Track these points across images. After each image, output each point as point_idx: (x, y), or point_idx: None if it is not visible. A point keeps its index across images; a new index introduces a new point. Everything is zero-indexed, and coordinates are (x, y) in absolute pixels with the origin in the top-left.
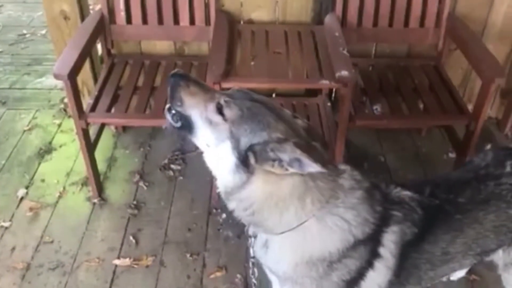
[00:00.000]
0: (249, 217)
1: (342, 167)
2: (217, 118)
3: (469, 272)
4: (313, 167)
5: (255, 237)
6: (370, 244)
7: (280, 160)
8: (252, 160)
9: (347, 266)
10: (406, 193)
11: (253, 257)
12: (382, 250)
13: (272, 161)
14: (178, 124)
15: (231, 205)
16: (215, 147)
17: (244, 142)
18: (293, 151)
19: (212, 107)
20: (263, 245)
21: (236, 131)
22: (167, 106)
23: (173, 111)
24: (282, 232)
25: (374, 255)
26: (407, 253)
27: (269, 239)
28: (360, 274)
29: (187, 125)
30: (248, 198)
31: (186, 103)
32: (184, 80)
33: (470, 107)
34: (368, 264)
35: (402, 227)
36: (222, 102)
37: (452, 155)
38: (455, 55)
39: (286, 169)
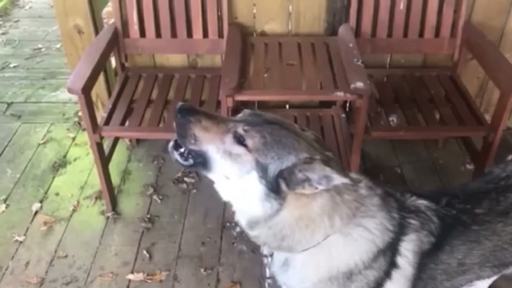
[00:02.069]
0: (276, 242)
1: (354, 175)
2: (239, 149)
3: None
4: (341, 180)
5: (271, 255)
6: (389, 254)
7: (309, 180)
8: (283, 186)
9: (367, 277)
10: (422, 202)
11: (269, 278)
12: (399, 260)
13: (302, 183)
14: (189, 162)
15: (256, 233)
16: (238, 179)
17: (273, 169)
18: (322, 170)
19: (229, 138)
20: (282, 264)
21: (262, 159)
22: (171, 144)
23: (181, 149)
24: (305, 250)
25: (392, 265)
26: (424, 263)
27: (290, 257)
28: (378, 285)
29: (201, 162)
30: (278, 224)
31: (200, 139)
32: (194, 114)
33: (487, 117)
34: (386, 275)
35: (419, 236)
36: (240, 131)
37: (470, 166)
38: (471, 64)
39: (316, 188)
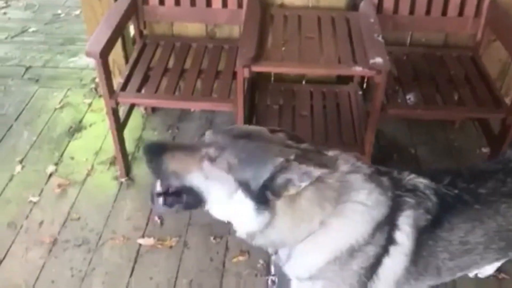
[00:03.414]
0: (280, 245)
1: (330, 152)
2: (218, 172)
3: (498, 271)
4: (318, 172)
5: (276, 253)
6: (386, 228)
7: (291, 180)
8: (270, 196)
9: (366, 252)
10: (421, 181)
11: (274, 275)
12: (398, 235)
13: (285, 186)
14: (179, 207)
15: (258, 243)
16: (228, 199)
17: (254, 183)
18: (299, 168)
19: (206, 164)
20: (287, 257)
21: (242, 177)
22: (152, 197)
23: (165, 199)
24: (305, 239)
25: (390, 240)
26: (423, 239)
27: (291, 249)
28: (377, 260)
29: (192, 199)
30: (274, 231)
31: (181, 173)
32: (164, 150)
33: (507, 100)
34: (385, 250)
35: (416, 213)
36: (212, 155)
37: (485, 150)
38: (494, 46)
39: (299, 186)
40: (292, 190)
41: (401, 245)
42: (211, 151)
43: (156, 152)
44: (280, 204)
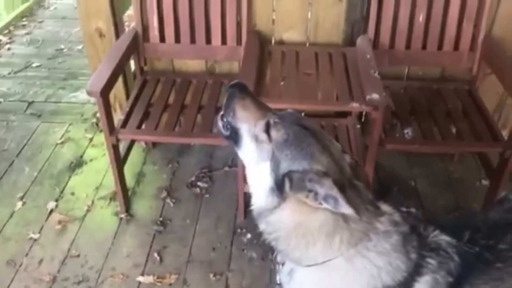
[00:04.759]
0: (273, 242)
1: (384, 207)
2: (263, 136)
3: None
4: (346, 210)
5: (282, 264)
6: None
7: (316, 193)
8: (287, 186)
9: None
10: (444, 238)
11: (279, 284)
12: None
13: (307, 192)
14: (227, 133)
15: (261, 227)
16: (256, 164)
17: (284, 166)
18: (330, 188)
19: (261, 124)
20: (288, 273)
21: (278, 154)
22: (221, 113)
23: (225, 119)
24: (308, 265)
25: None
26: None
27: (294, 269)
28: None
29: (234, 136)
30: (275, 223)
31: (237, 116)
32: (241, 92)
33: (504, 133)
34: None
35: (436, 277)
36: (271, 121)
37: (485, 182)
38: (490, 79)
39: (320, 203)
40: (311, 201)
41: None
42: (272, 118)
43: (237, 88)
44: (292, 203)
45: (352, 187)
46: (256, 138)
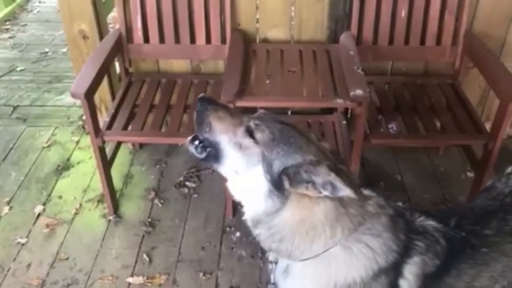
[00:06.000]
0: (274, 244)
1: (367, 192)
2: (248, 141)
3: None
4: (345, 191)
5: (276, 263)
6: (391, 275)
7: (314, 183)
8: (286, 183)
9: None
10: (430, 223)
11: (273, 284)
12: (401, 282)
13: (306, 183)
14: (202, 155)
15: (257, 232)
16: (245, 171)
17: (277, 165)
18: (327, 174)
19: (241, 131)
20: (283, 271)
21: (268, 154)
22: (190, 137)
23: (196, 142)
24: (305, 259)
25: (393, 286)
26: (428, 286)
27: (291, 265)
28: None
29: (213, 154)
30: (278, 225)
31: (214, 128)
32: (212, 105)
33: (488, 126)
34: None
35: (424, 258)
36: (252, 125)
37: (470, 174)
38: (472, 73)
39: (320, 192)
40: (311, 192)
41: None
42: (252, 121)
43: (206, 102)
44: (294, 200)
45: (340, 171)
46: (239, 146)
